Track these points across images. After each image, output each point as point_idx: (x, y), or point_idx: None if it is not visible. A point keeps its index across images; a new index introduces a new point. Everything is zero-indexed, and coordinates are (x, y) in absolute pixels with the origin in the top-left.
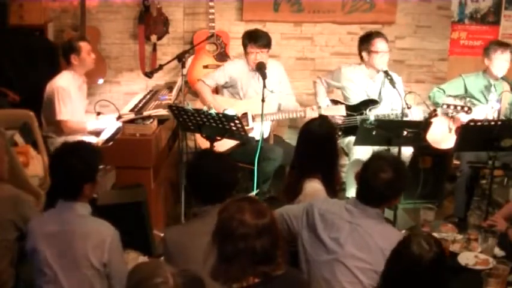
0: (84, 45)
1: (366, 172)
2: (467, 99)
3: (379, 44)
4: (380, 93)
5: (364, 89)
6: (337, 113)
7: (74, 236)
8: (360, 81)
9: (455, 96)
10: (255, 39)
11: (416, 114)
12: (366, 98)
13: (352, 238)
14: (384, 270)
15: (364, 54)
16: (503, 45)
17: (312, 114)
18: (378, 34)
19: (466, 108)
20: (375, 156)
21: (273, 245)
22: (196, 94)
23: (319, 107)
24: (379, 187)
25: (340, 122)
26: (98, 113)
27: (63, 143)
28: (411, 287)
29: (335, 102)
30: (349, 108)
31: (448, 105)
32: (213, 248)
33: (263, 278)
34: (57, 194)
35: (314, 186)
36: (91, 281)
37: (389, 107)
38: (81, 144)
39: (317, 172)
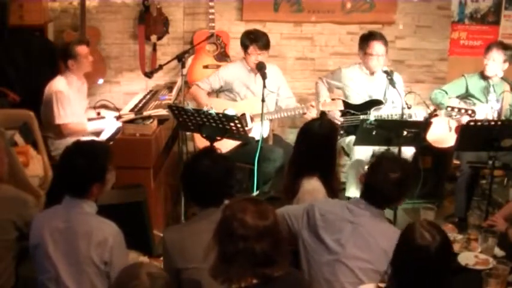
0: (81, 50)
1: (375, 174)
2: (468, 98)
3: (375, 47)
4: (385, 94)
5: (364, 89)
6: (335, 108)
7: (77, 234)
8: (360, 81)
9: (456, 97)
10: (257, 40)
11: (419, 114)
12: (366, 97)
13: (353, 238)
14: (391, 263)
15: (360, 53)
16: (493, 46)
17: (310, 110)
18: (376, 36)
19: (470, 112)
20: (381, 158)
21: (274, 247)
22: None
23: (318, 102)
24: (389, 188)
25: (339, 123)
26: (98, 113)
27: (75, 141)
28: (421, 276)
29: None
30: (353, 107)
31: (452, 108)
32: (214, 246)
33: (262, 278)
34: (63, 190)
35: (312, 184)
36: (93, 278)
37: (391, 108)
38: (92, 143)
39: (315, 171)
